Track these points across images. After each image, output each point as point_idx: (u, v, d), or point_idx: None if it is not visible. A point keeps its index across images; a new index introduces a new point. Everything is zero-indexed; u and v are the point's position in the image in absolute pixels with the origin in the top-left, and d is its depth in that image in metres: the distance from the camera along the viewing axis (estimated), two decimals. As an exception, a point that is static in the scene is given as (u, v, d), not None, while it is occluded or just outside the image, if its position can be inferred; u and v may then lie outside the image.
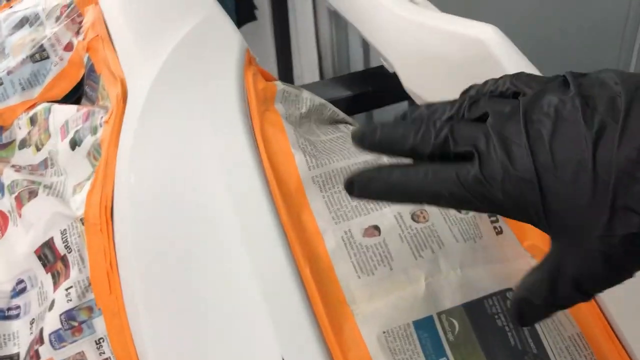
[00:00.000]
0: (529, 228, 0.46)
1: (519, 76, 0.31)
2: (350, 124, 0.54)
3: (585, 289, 0.29)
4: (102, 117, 0.53)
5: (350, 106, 0.65)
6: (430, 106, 0.33)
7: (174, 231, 0.44)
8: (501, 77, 0.32)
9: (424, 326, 0.41)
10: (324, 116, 0.52)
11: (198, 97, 0.48)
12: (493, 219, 0.46)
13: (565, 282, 0.29)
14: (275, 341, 0.38)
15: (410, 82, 0.54)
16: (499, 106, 0.29)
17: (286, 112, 0.48)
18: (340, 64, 1.20)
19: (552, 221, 0.28)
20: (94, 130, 0.53)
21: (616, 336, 0.41)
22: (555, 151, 0.27)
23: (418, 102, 0.54)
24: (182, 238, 0.44)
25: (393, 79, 0.60)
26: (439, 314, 0.41)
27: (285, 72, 1.36)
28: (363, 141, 0.33)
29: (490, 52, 0.45)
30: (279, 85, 0.50)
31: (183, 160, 0.46)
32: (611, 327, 0.42)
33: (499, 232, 0.46)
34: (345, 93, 0.65)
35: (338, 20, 1.15)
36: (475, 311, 0.42)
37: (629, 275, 0.29)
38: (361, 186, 0.32)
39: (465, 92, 0.33)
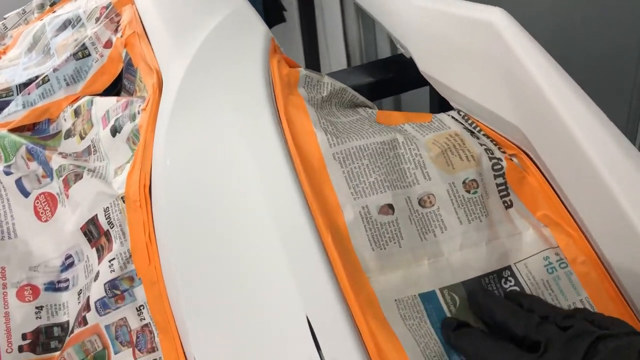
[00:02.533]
0: (540, 198, 0.49)
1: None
2: (369, 107, 0.57)
3: None
4: (139, 106, 0.58)
5: (372, 92, 0.68)
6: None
7: (206, 205, 0.48)
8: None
9: (429, 298, 0.44)
10: (344, 100, 0.55)
11: (227, 82, 0.52)
12: (503, 193, 0.49)
13: None
14: (300, 300, 0.42)
15: (425, 66, 0.57)
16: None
17: (308, 95, 0.52)
18: (368, 60, 1.22)
19: None
20: (133, 117, 0.57)
21: (626, 301, 0.44)
22: None
23: (435, 86, 0.57)
24: (214, 211, 0.47)
25: (413, 66, 0.63)
26: (442, 289, 0.44)
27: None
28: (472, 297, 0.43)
29: (499, 34, 0.48)
30: (302, 71, 0.54)
31: (214, 141, 0.50)
32: (619, 291, 0.44)
33: (509, 205, 0.49)
34: (367, 80, 0.68)
35: (365, 17, 1.18)
36: (472, 287, 0.44)
37: None
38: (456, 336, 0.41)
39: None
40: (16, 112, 0.69)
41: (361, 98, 0.56)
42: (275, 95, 0.51)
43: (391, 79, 0.70)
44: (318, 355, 0.40)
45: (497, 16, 0.47)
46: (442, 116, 0.54)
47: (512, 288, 0.45)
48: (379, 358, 0.40)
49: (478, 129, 0.52)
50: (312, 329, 0.41)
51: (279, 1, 1.54)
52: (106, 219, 0.52)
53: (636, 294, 0.43)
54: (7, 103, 0.72)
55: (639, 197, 0.42)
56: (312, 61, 1.53)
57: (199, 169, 0.49)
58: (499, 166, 0.49)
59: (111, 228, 0.52)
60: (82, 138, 0.63)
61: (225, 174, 0.48)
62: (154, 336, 0.49)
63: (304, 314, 0.41)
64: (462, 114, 0.54)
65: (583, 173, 0.45)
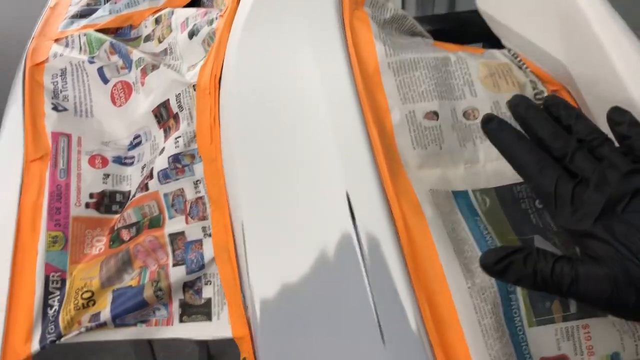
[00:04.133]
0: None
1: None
2: (427, 37, 0.61)
3: None
4: (217, 13, 0.64)
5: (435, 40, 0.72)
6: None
7: (268, 96, 0.53)
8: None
9: (462, 196, 0.48)
10: (404, 27, 0.60)
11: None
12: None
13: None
14: (343, 179, 0.47)
15: (483, 3, 0.61)
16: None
17: (373, 14, 0.57)
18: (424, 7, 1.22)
19: None
20: (210, 22, 0.63)
21: None
22: None
23: (490, 23, 0.61)
24: (275, 101, 0.53)
25: (470, 21, 0.67)
26: (474, 191, 0.49)
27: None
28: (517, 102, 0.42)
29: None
30: (369, -8, 0.59)
31: (282, 44, 0.55)
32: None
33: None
34: (425, 27, 0.73)
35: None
36: (504, 194, 0.49)
37: None
38: (494, 128, 0.41)
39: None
40: (102, 16, 0.75)
41: (420, 28, 0.61)
42: (342, 9, 0.56)
43: (446, 30, 0.74)
44: (353, 227, 0.45)
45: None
46: (493, 51, 0.58)
47: None
48: (406, 234, 0.44)
49: (525, 65, 0.56)
50: (350, 204, 0.46)
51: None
52: (177, 103, 0.58)
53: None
54: (95, 11, 0.79)
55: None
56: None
57: (265, 65, 0.54)
58: (541, 97, 0.53)
59: (180, 111, 0.58)
60: (160, 42, 0.70)
61: (289, 71, 0.54)
62: (206, 207, 0.54)
63: (345, 191, 0.46)
64: (512, 52, 0.58)
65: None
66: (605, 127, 0.50)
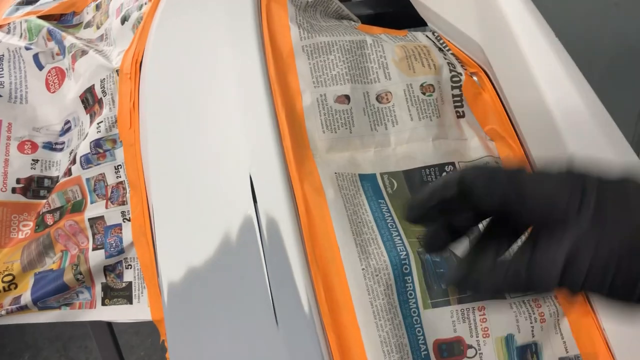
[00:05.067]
0: (491, 114, 0.52)
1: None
2: (354, 20, 0.61)
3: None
4: (148, -2, 0.64)
5: (371, 24, 0.72)
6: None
7: (183, 81, 0.53)
8: None
9: (368, 179, 0.48)
10: (330, 9, 0.60)
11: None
12: (457, 104, 0.52)
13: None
14: (248, 162, 0.47)
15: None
16: None
17: (293, -3, 0.56)
18: None
19: None
20: (140, 8, 0.63)
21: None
22: None
23: (416, 6, 0.60)
24: (189, 86, 0.53)
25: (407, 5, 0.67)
26: (382, 174, 0.49)
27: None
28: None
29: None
30: (291, -25, 0.58)
31: (199, 29, 0.55)
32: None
33: (461, 115, 0.52)
34: (367, 11, 0.72)
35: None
36: (412, 177, 0.48)
37: None
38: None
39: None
40: (47, 3, 0.76)
41: (347, 11, 0.60)
42: (261, -8, 0.56)
43: (391, 13, 0.73)
44: (254, 210, 0.45)
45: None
46: (417, 33, 0.57)
47: None
48: (306, 216, 0.44)
49: (447, 47, 0.56)
50: (253, 187, 0.46)
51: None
52: (101, 88, 0.58)
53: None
54: (42, -2, 0.79)
55: (574, 119, 0.46)
56: None
57: (182, 50, 0.54)
58: (458, 79, 0.52)
59: (104, 96, 0.58)
60: (98, 28, 0.70)
61: (204, 56, 0.53)
62: (126, 192, 0.55)
63: (248, 173, 0.46)
64: (436, 34, 0.57)
65: (529, 94, 0.48)
66: (520, 109, 0.50)
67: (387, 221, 0.46)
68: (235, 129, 0.49)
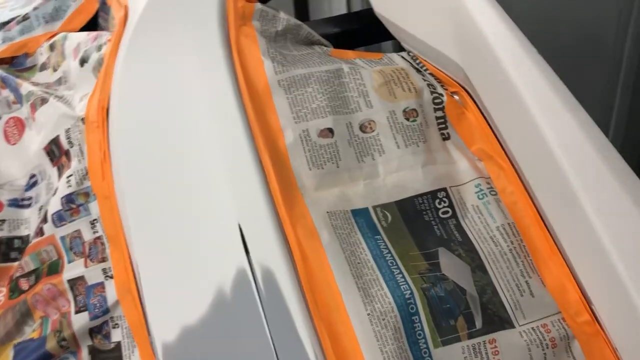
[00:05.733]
0: (477, 134, 0.51)
1: None
2: (325, 45, 0.59)
3: None
4: (107, 38, 0.60)
5: (338, 43, 0.70)
6: None
7: (156, 127, 0.51)
8: None
9: (361, 214, 0.47)
10: (300, 36, 0.58)
11: (183, 12, 0.55)
12: (441, 126, 0.51)
13: None
14: (234, 210, 0.44)
15: (380, 7, 0.59)
16: None
17: (262, 27, 0.54)
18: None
19: None
20: (99, 48, 0.60)
21: (545, 225, 0.46)
22: None
23: (389, 27, 0.59)
24: (163, 131, 0.50)
25: (379, 21, 0.65)
26: (374, 207, 0.47)
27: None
28: None
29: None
30: (258, 5, 0.56)
31: (167, 68, 0.53)
32: (541, 216, 0.46)
33: (446, 138, 0.51)
34: (333, 30, 0.70)
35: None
36: (406, 207, 0.47)
37: None
38: None
39: None
40: (-4, 46, 0.71)
41: (317, 36, 0.59)
42: (228, 26, 0.53)
43: (356, 30, 0.72)
44: (247, 261, 0.43)
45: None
46: (393, 55, 0.56)
47: (445, 209, 0.47)
48: (303, 263, 0.43)
49: (424, 67, 0.54)
50: (243, 237, 0.44)
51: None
52: (67, 139, 0.55)
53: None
54: (-11, 39, 0.74)
55: (565, 135, 0.45)
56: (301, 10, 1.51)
57: (150, 94, 0.52)
58: (440, 100, 0.51)
59: (71, 147, 0.55)
60: (54, 70, 0.66)
61: (175, 97, 0.51)
62: (105, 247, 0.52)
63: (237, 223, 0.44)
64: (412, 54, 0.56)
65: (516, 111, 0.47)
66: (508, 127, 0.49)
67: (387, 258, 0.44)
68: (218, 176, 0.46)
